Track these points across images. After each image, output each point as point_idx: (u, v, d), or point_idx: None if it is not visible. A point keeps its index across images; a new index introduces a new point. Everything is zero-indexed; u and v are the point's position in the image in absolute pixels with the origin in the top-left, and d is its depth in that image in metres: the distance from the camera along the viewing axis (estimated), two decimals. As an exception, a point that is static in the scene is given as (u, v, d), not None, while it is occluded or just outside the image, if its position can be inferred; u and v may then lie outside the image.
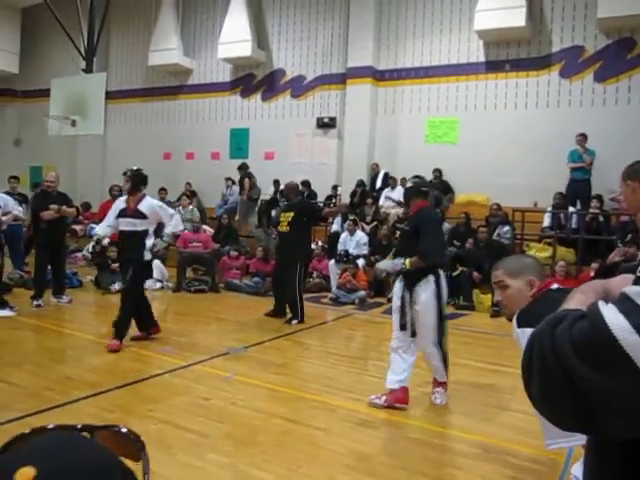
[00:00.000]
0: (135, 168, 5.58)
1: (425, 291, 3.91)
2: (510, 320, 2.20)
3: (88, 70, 11.62)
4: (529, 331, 2.04)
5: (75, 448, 0.50)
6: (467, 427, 3.60)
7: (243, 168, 11.53)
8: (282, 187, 9.02)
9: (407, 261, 3.87)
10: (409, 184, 4.41)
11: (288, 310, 6.90)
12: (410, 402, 3.98)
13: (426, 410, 3.93)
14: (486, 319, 7.53)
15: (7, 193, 8.09)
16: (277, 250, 7.37)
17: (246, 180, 11.00)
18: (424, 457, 3.14)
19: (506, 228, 9.02)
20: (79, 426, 0.55)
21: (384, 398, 3.86)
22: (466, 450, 3.24)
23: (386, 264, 4.07)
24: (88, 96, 10.57)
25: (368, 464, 3.02)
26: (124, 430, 0.58)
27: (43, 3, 12.54)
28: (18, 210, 7.46)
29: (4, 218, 6.83)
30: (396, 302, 4.01)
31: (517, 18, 9.94)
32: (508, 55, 10.76)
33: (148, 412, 3.67)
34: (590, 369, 0.66)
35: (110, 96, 13.93)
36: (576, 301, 0.83)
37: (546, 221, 9.35)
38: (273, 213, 9.44)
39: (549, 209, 9.36)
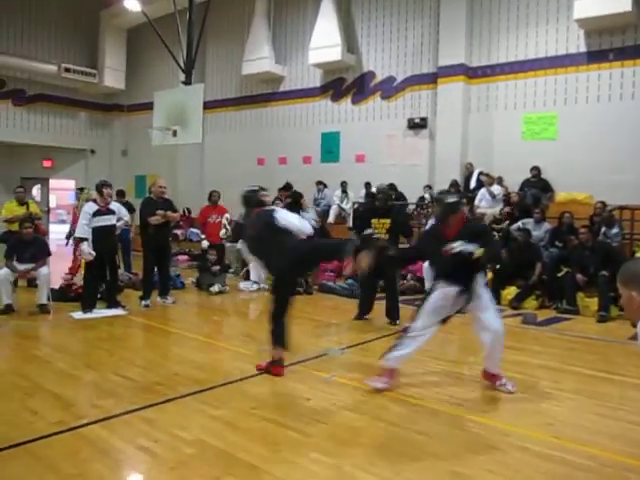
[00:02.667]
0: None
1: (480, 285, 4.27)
2: (634, 326, 2.08)
3: (187, 82, 12.20)
4: None
5: None
6: (578, 438, 3.41)
7: (288, 188, 11.37)
8: (374, 189, 8.90)
9: (478, 250, 3.98)
10: (438, 200, 4.55)
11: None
12: (511, 408, 3.86)
13: (532, 417, 3.77)
14: (592, 324, 7.11)
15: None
16: None
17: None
18: (533, 467, 3.02)
19: (614, 230, 8.46)
20: None
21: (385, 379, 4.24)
22: (579, 462, 3.07)
23: (460, 243, 4.05)
24: (187, 107, 11.10)
25: (475, 472, 2.95)
26: None
27: (146, 23, 13.35)
28: (128, 217, 7.98)
29: (118, 224, 7.35)
30: (438, 302, 4.23)
31: (623, 3, 9.32)
32: (612, 43, 10.14)
33: (251, 410, 3.79)
34: None
35: (207, 106, 14.54)
36: None
37: (658, 219, 8.70)
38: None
39: (662, 206, 8.71)
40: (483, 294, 4.27)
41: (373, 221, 6.74)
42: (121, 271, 8.98)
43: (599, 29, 10.09)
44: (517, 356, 5.43)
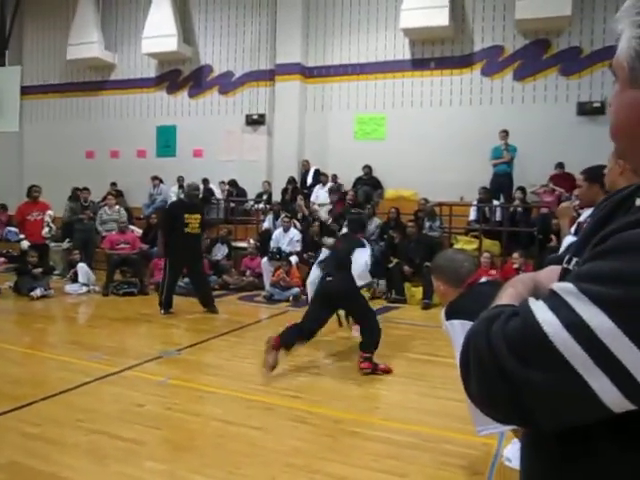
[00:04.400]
0: None
1: None
2: None
3: (0, 63, 10.95)
4: (456, 322, 2.16)
5: None
6: (404, 418, 3.67)
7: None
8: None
9: None
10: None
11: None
12: (342, 397, 4.05)
13: (360, 403, 3.98)
14: (418, 311, 7.73)
15: None
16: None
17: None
18: (362, 450, 3.18)
19: (436, 224, 9.29)
20: None
21: None
22: (404, 440, 3.31)
23: None
24: (1, 91, 9.96)
25: (307, 460, 3.02)
26: None
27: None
28: None
29: None
30: None
31: (440, 17, 10.21)
32: (433, 53, 11.05)
33: (78, 422, 3.51)
34: (523, 366, 0.68)
35: (26, 91, 13.22)
36: (508, 296, 0.85)
37: (472, 214, 9.70)
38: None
39: (474, 203, 9.71)
40: None
41: (186, 216, 7.09)
42: None
43: (422, 39, 10.95)
44: (350, 345, 5.69)
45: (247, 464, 2.98)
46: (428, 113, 10.97)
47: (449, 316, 2.26)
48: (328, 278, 4.85)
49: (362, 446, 3.23)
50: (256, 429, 3.44)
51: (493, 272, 7.52)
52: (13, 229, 11.54)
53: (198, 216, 7.20)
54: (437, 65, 10.96)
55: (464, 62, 10.74)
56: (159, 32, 12.29)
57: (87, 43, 13.14)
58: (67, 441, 3.25)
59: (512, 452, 2.96)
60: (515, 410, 0.71)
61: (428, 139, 10.78)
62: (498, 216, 9.53)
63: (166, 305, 7.13)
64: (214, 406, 3.87)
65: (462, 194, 10.21)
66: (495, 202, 9.59)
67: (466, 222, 9.73)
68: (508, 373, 0.69)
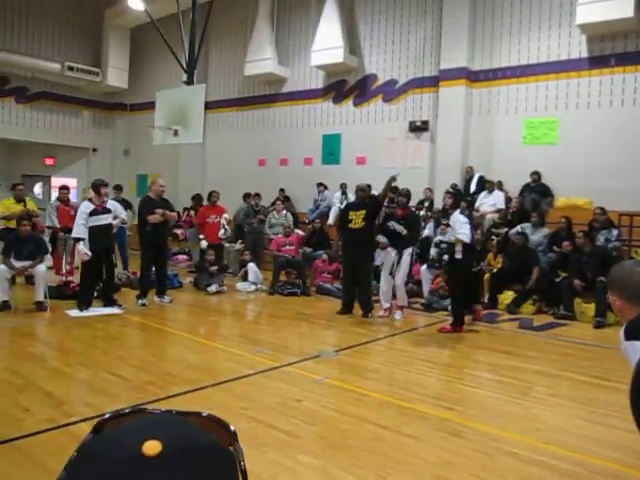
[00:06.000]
0: None
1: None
2: None
3: (189, 82, 12.20)
4: (638, 344, 1.90)
5: (186, 428, 0.54)
6: (568, 444, 3.41)
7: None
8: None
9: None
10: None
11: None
12: (502, 413, 3.87)
13: (519, 422, 3.76)
14: (589, 330, 7.10)
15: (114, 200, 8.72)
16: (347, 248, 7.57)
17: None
18: (520, 472, 3.01)
19: (614, 232, 8.45)
20: (174, 411, 0.59)
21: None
22: (567, 469, 3.07)
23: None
24: (189, 107, 11.10)
25: (458, 475, 2.94)
26: (216, 418, 0.62)
27: (149, 23, 13.37)
28: (124, 215, 7.99)
29: (114, 222, 7.37)
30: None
31: (624, 9, 9.29)
32: (614, 49, 10.09)
33: (242, 410, 3.79)
34: None
35: (209, 106, 14.56)
36: None
37: (657, 226, 8.68)
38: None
39: (661, 212, 8.69)
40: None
41: (350, 214, 7.29)
42: (119, 270, 9.00)
43: (601, 35, 10.07)
44: (512, 361, 5.42)
45: (397, 470, 2.98)
46: (607, 114, 10.04)
47: (629, 336, 2.01)
48: None
49: (520, 469, 3.06)
50: (409, 437, 3.43)
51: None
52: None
53: (363, 212, 7.23)
54: (618, 62, 9.98)
55: (652, 56, 9.66)
56: (327, 45, 12.83)
57: (262, 60, 14.18)
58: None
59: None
60: None
61: (606, 143, 9.87)
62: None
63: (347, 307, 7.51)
64: (368, 409, 3.93)
65: (646, 203, 9.20)
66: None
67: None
68: None
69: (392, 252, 7.04)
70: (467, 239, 6.41)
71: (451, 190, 7.43)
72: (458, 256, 6.49)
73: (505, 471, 3.02)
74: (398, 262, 6.99)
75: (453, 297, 6.88)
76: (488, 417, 3.85)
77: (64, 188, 9.92)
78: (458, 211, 6.71)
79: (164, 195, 8.00)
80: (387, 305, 7.17)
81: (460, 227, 6.45)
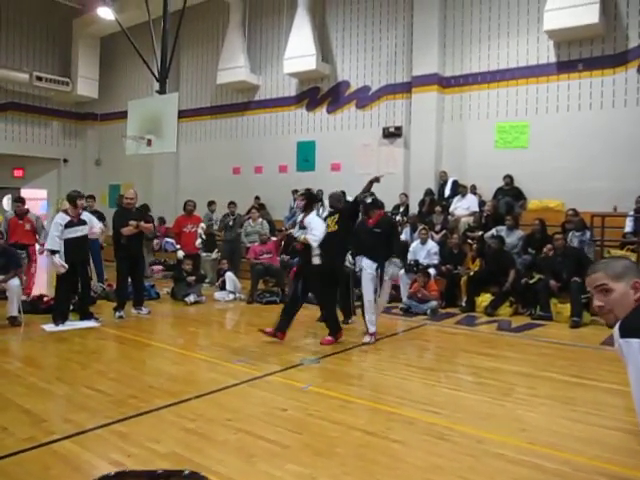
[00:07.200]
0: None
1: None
2: (612, 328, 2.05)
3: (162, 91, 12.09)
4: (634, 342, 1.90)
5: None
6: (552, 443, 3.45)
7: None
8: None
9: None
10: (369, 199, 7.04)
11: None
12: (486, 415, 3.91)
13: (504, 423, 3.80)
14: (565, 330, 7.22)
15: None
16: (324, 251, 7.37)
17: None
18: (507, 473, 3.04)
19: (588, 234, 8.63)
20: (159, 472, 0.58)
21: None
22: (553, 468, 3.11)
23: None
24: (162, 116, 11.00)
25: (447, 478, 2.96)
26: (199, 475, 0.60)
27: (120, 31, 13.23)
28: (100, 226, 7.85)
29: (94, 230, 7.26)
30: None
31: (590, 15, 9.56)
32: (581, 54, 10.38)
33: (227, 421, 3.75)
34: None
35: (182, 115, 14.46)
36: None
37: (628, 226, 8.90)
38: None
39: (631, 213, 8.91)
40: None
41: (328, 220, 6.94)
42: (94, 282, 8.84)
43: (568, 40, 10.33)
44: (492, 362, 5.49)
45: (387, 476, 2.98)
46: (576, 118, 10.29)
47: (625, 333, 1.97)
48: None
49: (507, 469, 3.09)
50: (396, 442, 3.44)
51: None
52: (170, 240, 12.66)
53: (336, 215, 6.89)
54: (585, 66, 10.26)
55: (617, 61, 9.95)
56: (299, 53, 12.89)
57: (235, 68, 14.17)
58: (217, 438, 3.49)
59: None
60: None
61: (576, 145, 10.11)
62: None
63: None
64: (355, 416, 3.93)
65: (615, 203, 9.42)
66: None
67: (621, 234, 8.94)
68: None
69: (368, 269, 6.50)
70: (314, 242, 6.23)
71: (303, 191, 7.11)
72: (316, 261, 6.25)
73: (493, 472, 3.04)
74: (380, 285, 6.49)
75: (322, 305, 6.56)
76: (473, 419, 3.88)
77: (18, 200, 9.32)
78: (314, 212, 6.62)
79: (137, 205, 7.91)
80: (373, 329, 6.50)
81: (313, 229, 6.31)
